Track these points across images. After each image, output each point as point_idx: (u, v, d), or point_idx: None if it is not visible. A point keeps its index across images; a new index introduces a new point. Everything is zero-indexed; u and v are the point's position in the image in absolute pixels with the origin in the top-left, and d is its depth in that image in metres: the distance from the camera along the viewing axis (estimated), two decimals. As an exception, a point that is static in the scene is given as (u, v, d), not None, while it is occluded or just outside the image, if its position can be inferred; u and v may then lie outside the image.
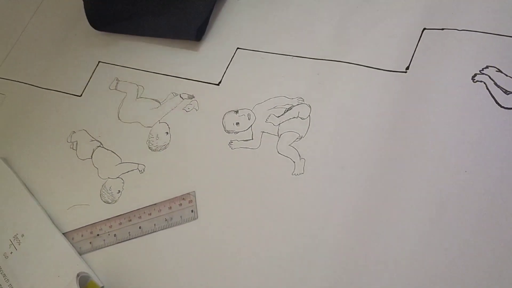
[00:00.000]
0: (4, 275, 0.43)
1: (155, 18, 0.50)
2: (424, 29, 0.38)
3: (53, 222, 0.44)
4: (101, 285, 0.39)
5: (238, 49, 0.44)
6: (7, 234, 0.45)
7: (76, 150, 0.46)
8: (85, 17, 0.53)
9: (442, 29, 0.37)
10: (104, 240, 0.41)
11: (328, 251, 0.33)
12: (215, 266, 0.36)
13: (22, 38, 0.58)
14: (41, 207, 0.45)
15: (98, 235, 0.41)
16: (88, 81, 0.50)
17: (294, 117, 0.39)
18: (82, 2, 0.53)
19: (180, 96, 0.45)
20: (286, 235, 0.35)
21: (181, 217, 0.39)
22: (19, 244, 0.44)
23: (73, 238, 0.42)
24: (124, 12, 0.51)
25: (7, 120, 0.52)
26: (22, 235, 0.44)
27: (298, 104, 0.39)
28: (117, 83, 0.49)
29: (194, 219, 0.38)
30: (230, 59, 0.44)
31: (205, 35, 0.47)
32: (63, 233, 0.43)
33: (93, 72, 0.50)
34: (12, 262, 0.43)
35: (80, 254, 0.41)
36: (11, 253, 0.44)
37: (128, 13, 0.51)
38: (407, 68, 0.37)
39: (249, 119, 0.40)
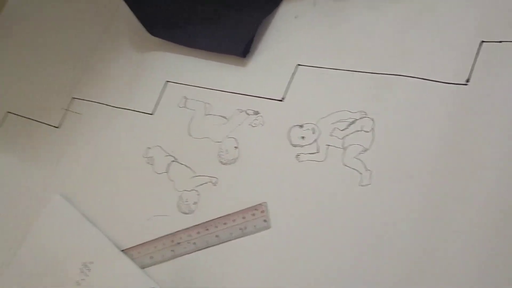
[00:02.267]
0: None
1: (206, 31, 0.53)
2: (482, 41, 0.39)
3: (116, 246, 0.48)
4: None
5: (298, 66, 0.47)
6: (77, 263, 0.49)
7: (152, 165, 0.51)
8: (150, 38, 0.57)
9: (500, 41, 0.38)
10: (184, 248, 0.45)
11: (396, 260, 0.35)
12: (287, 274, 0.39)
13: (92, 61, 0.63)
14: (104, 235, 0.49)
15: (179, 243, 0.45)
16: (159, 100, 0.54)
17: (358, 131, 0.41)
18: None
19: (246, 112, 0.48)
20: (354, 243, 0.38)
21: (254, 226, 0.42)
22: (89, 271, 0.48)
23: (155, 247, 0.46)
24: (176, 20, 0.55)
25: (84, 138, 0.57)
26: (91, 262, 0.48)
27: (360, 118, 0.41)
28: (185, 101, 0.52)
29: (267, 228, 0.42)
30: (291, 75, 0.47)
31: (264, 52, 0.50)
32: (145, 242, 0.47)
33: (162, 91, 0.55)
34: None
35: (162, 262, 0.45)
36: (83, 279, 0.48)
37: (179, 21, 0.55)
38: (467, 80, 0.38)
39: (313, 133, 0.43)
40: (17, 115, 0.65)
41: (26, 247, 0.53)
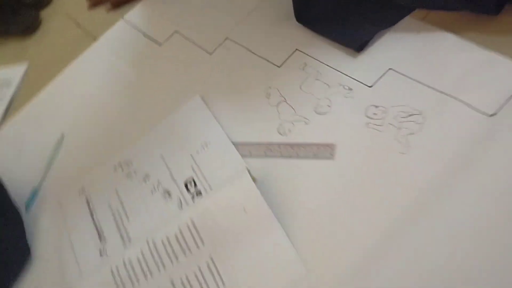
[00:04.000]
0: (196, 164, 0.72)
1: (335, 26, 0.75)
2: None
3: (228, 137, 0.72)
4: (256, 178, 0.66)
5: (389, 70, 0.68)
6: (199, 141, 0.74)
7: (268, 99, 0.74)
8: (289, 18, 0.80)
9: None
10: (274, 153, 0.68)
11: None
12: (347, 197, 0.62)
13: (246, 17, 0.87)
14: (223, 131, 0.73)
15: (270, 150, 0.68)
16: (287, 58, 0.77)
17: (412, 120, 0.62)
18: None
19: (343, 87, 0.70)
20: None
21: (322, 154, 0.65)
22: (206, 147, 0.73)
23: (255, 147, 0.70)
24: (320, 15, 0.77)
25: (227, 67, 0.82)
26: (209, 143, 0.73)
27: (414, 115, 0.62)
28: (304, 66, 0.75)
29: (331, 159, 0.64)
30: (382, 74, 0.68)
31: (374, 49, 0.71)
32: (249, 142, 0.71)
33: (292, 54, 0.78)
34: (201, 157, 0.72)
35: (256, 157, 0.69)
36: (201, 151, 0.73)
37: (322, 16, 0.77)
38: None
39: (384, 113, 0.65)
40: (182, 36, 0.91)
41: (162, 127, 0.79)
